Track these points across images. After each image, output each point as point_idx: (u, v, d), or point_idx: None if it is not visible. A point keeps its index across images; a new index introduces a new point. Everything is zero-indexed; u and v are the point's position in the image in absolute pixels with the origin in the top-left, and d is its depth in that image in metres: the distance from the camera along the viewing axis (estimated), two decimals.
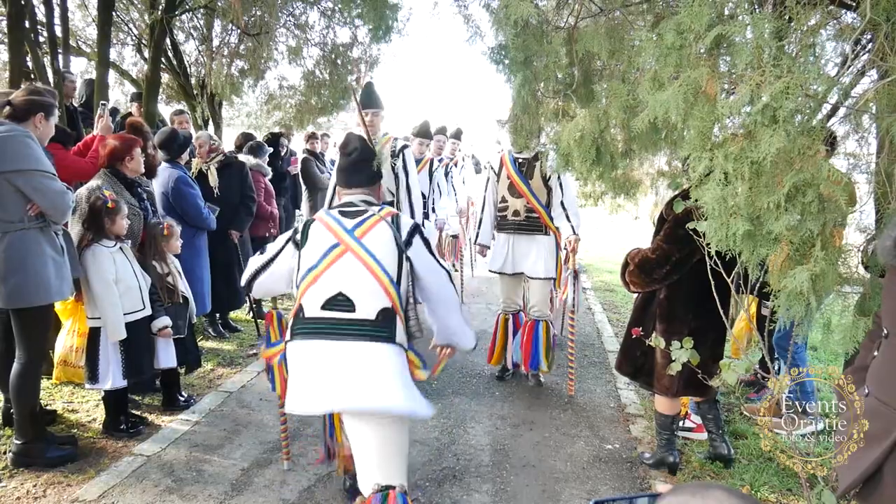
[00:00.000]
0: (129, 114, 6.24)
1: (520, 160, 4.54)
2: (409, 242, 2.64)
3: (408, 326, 2.64)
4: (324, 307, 2.50)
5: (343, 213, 2.67)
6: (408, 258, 2.63)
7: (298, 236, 2.69)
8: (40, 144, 3.13)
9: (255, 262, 2.85)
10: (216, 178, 5.30)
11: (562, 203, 4.49)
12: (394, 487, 2.41)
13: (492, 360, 4.86)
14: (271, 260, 2.78)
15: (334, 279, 2.51)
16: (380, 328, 2.49)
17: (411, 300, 2.69)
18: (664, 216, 3.24)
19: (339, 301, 2.49)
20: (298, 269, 2.63)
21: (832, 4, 2.26)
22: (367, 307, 2.48)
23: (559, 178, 4.47)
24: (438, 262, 2.72)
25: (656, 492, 1.15)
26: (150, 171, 4.25)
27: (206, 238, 5.07)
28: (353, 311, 2.48)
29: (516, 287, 4.78)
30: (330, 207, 2.82)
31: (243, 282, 2.87)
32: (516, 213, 4.55)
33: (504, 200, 4.60)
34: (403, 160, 4.75)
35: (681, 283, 3.18)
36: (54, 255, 3.11)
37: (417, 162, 5.54)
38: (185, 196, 4.74)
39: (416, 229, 2.70)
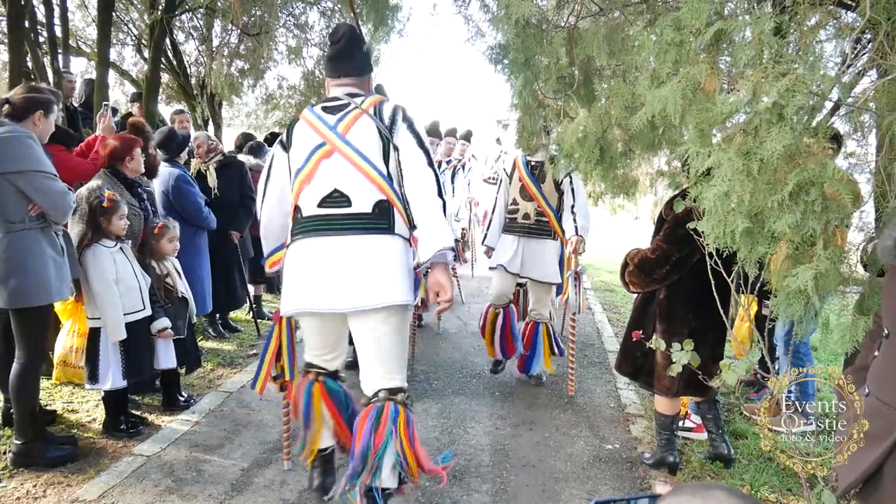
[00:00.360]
0: (130, 114, 6.25)
1: (532, 163, 4.52)
2: (391, 128, 2.56)
3: (408, 214, 2.61)
4: (320, 205, 2.53)
5: (325, 109, 2.62)
6: (395, 147, 2.56)
7: (284, 138, 2.69)
8: (40, 142, 3.13)
9: (258, 199, 2.86)
10: (215, 178, 5.29)
11: (572, 208, 4.45)
12: (395, 393, 2.54)
13: (490, 354, 4.85)
14: (268, 176, 2.77)
15: (327, 177, 2.53)
16: (377, 220, 2.51)
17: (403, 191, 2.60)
18: (664, 216, 3.24)
19: (335, 197, 2.51)
20: (290, 171, 2.64)
21: (832, 4, 2.26)
22: (363, 201, 2.50)
23: (571, 182, 4.44)
24: (426, 156, 2.56)
25: (656, 493, 1.15)
26: (151, 172, 4.25)
27: (207, 238, 5.05)
28: (350, 205, 2.50)
29: (511, 285, 4.75)
30: (314, 104, 2.74)
31: (263, 250, 2.91)
32: (526, 216, 4.54)
33: (515, 203, 4.59)
34: None
35: (681, 284, 3.18)
36: (54, 255, 3.11)
37: None
38: (185, 194, 4.73)
39: (397, 110, 2.59)
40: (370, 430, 2.49)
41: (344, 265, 2.48)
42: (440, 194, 2.54)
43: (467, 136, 8.06)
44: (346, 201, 2.50)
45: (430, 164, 2.56)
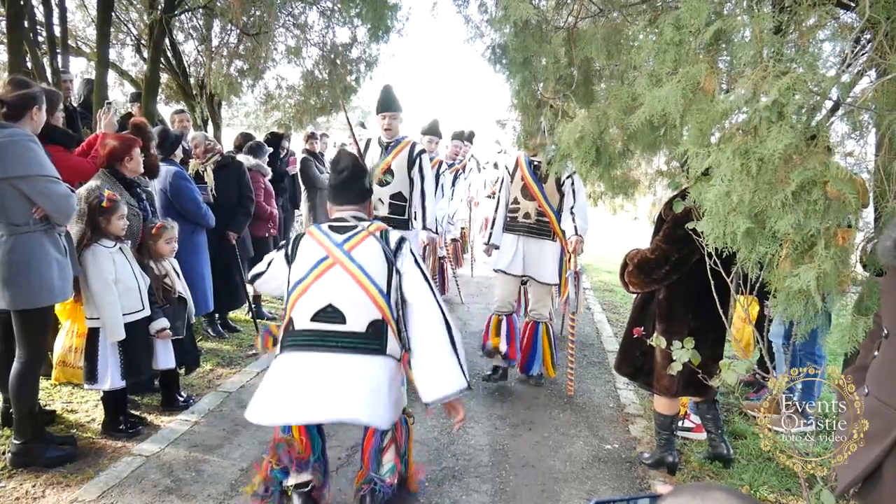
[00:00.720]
0: (130, 114, 6.24)
1: (535, 163, 4.52)
2: (396, 253, 2.65)
3: (400, 337, 2.65)
4: (313, 319, 2.54)
5: (333, 228, 2.71)
6: (398, 271, 2.64)
7: (289, 249, 2.75)
8: (34, 134, 3.10)
9: (255, 268, 2.98)
10: (212, 178, 5.27)
11: (571, 209, 4.47)
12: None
13: (485, 350, 4.81)
14: (266, 268, 2.89)
15: (323, 291, 2.55)
16: (370, 340, 2.53)
17: (401, 312, 2.68)
18: (663, 216, 3.24)
19: (329, 313, 2.52)
20: (288, 283, 2.68)
21: (831, 4, 2.26)
22: (358, 319, 2.52)
23: (573, 183, 4.45)
24: (430, 287, 2.67)
25: (656, 493, 1.15)
26: (152, 172, 4.25)
27: (206, 236, 5.04)
28: (344, 322, 2.51)
29: (514, 288, 4.77)
30: (319, 223, 2.86)
31: (248, 276, 2.99)
32: (527, 215, 4.54)
33: (516, 202, 4.58)
34: (420, 165, 4.75)
35: (680, 284, 3.18)
36: (58, 256, 3.11)
37: None
38: (182, 190, 4.72)
39: (403, 240, 2.71)
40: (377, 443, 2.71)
41: (331, 380, 2.45)
42: (447, 325, 2.60)
43: (469, 137, 8.07)
44: (339, 318, 2.52)
45: (435, 295, 2.65)
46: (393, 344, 2.59)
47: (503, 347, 4.68)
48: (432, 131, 6.46)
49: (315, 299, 2.55)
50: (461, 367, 2.56)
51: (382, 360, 2.54)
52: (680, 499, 0.95)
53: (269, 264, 2.88)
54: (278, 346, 2.68)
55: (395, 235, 2.72)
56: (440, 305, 2.64)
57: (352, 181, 2.83)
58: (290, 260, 2.73)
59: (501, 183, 4.78)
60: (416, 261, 2.69)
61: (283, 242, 2.90)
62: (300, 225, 8.43)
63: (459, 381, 2.55)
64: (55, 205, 3.02)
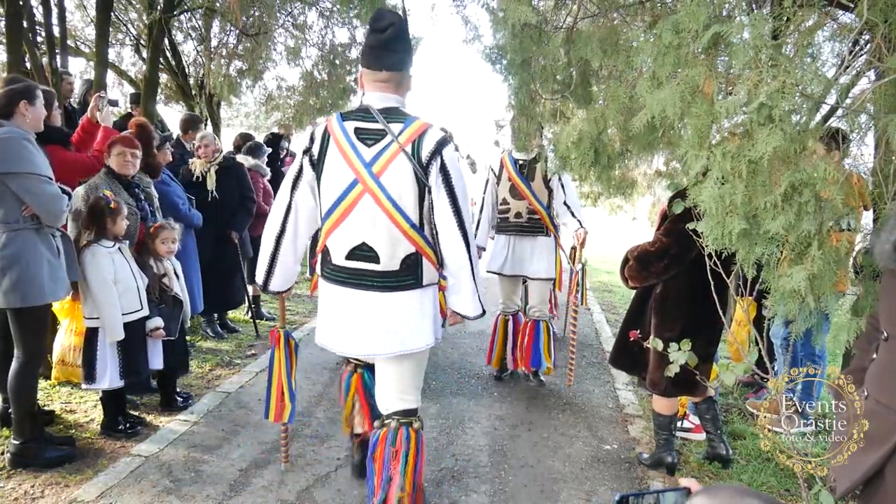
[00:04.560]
0: (130, 114, 6.24)
1: (520, 162, 4.53)
2: (427, 169, 2.38)
3: (439, 260, 2.57)
4: (348, 257, 2.49)
5: (360, 135, 2.40)
6: (429, 191, 2.41)
7: (315, 153, 2.46)
8: (36, 129, 3.10)
9: (265, 248, 2.65)
10: (214, 179, 5.27)
11: (565, 203, 4.51)
12: (408, 417, 2.65)
13: (490, 362, 4.85)
14: (289, 204, 2.55)
15: (356, 227, 2.44)
16: (404, 277, 2.49)
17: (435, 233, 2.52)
18: (666, 213, 3.25)
19: (364, 251, 2.46)
20: (319, 198, 2.51)
21: (830, 5, 2.27)
22: (391, 258, 2.46)
23: (560, 178, 4.48)
24: (457, 215, 2.43)
25: (681, 486, 1.15)
26: (155, 172, 4.25)
27: (195, 237, 5.01)
28: (378, 262, 2.46)
29: (515, 288, 4.78)
30: (345, 116, 2.48)
31: (259, 278, 2.70)
32: (518, 214, 4.54)
33: (505, 203, 4.59)
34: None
35: (677, 280, 3.19)
36: (49, 256, 3.11)
37: None
38: (163, 194, 4.68)
39: (436, 153, 2.37)
40: (387, 461, 2.62)
41: (369, 317, 2.51)
42: (469, 256, 2.49)
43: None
44: (374, 257, 2.45)
45: (461, 224, 2.44)
46: (429, 273, 2.54)
47: (509, 363, 4.74)
48: None
49: (348, 236, 2.45)
50: (478, 297, 2.58)
51: (418, 293, 2.53)
52: (714, 500, 0.94)
53: (290, 195, 2.55)
54: (319, 269, 2.65)
55: (429, 143, 2.38)
56: (465, 237, 2.45)
57: (396, 42, 2.44)
58: (315, 163, 2.47)
59: (486, 185, 4.78)
60: (447, 180, 2.40)
61: (296, 164, 2.55)
62: None
63: (476, 309, 2.59)
64: (43, 205, 3.01)
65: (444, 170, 2.39)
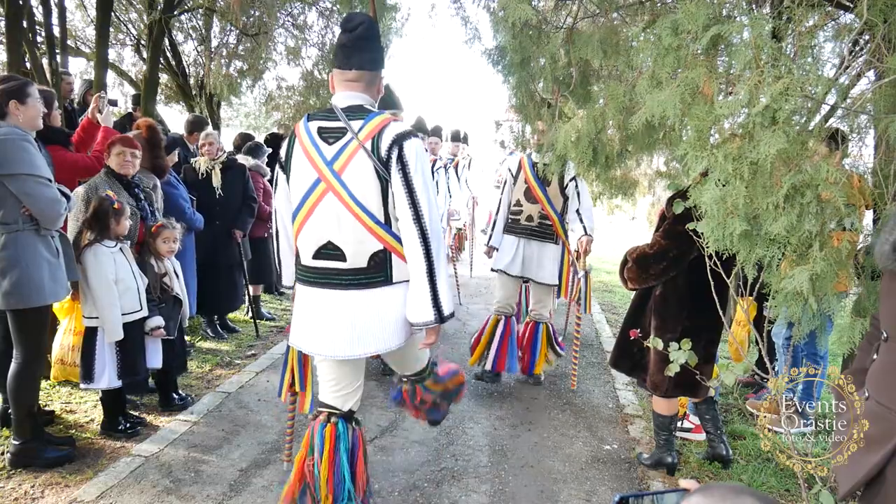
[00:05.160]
0: (130, 114, 6.25)
1: (539, 165, 4.51)
2: (387, 165, 2.33)
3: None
4: (315, 256, 2.47)
5: (322, 133, 2.40)
6: (390, 186, 2.37)
7: (283, 158, 2.52)
8: (32, 127, 3.07)
9: (281, 239, 2.72)
10: (220, 178, 5.28)
11: (577, 211, 4.47)
12: (419, 375, 2.84)
13: (471, 361, 4.75)
14: (275, 210, 2.67)
15: (321, 226, 2.42)
16: (373, 274, 2.44)
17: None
18: (665, 214, 3.25)
19: (330, 250, 2.43)
20: (290, 200, 2.53)
21: (830, 5, 2.27)
22: (357, 255, 2.41)
23: (577, 186, 4.45)
24: (414, 208, 2.35)
25: (681, 487, 1.15)
26: (161, 172, 4.25)
27: (195, 239, 5.02)
28: (344, 260, 2.42)
29: (515, 289, 4.77)
30: (311, 117, 2.50)
31: (286, 280, 2.76)
32: (530, 218, 4.53)
33: (519, 204, 4.57)
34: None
35: (676, 281, 3.19)
36: (49, 257, 3.10)
37: None
38: (166, 195, 4.67)
39: (393, 147, 2.33)
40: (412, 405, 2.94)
41: (340, 317, 2.46)
42: (427, 255, 2.37)
43: (465, 139, 8.16)
44: (340, 255, 2.41)
45: (418, 219, 2.35)
46: (399, 269, 2.47)
47: (489, 365, 4.62)
48: (418, 128, 6.53)
49: (314, 235, 2.44)
50: (436, 301, 2.41)
51: (388, 290, 2.47)
52: (710, 499, 0.94)
53: (275, 206, 2.65)
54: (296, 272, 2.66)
55: (387, 138, 2.34)
56: (423, 231, 2.36)
57: (367, 41, 2.44)
58: (286, 170, 2.50)
59: (504, 185, 4.78)
60: (403, 173, 2.34)
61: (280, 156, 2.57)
62: None
63: (428, 315, 2.41)
64: (40, 207, 3.00)
65: (401, 161, 2.33)
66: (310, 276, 2.51)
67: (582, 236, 4.40)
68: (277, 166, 2.60)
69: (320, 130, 2.42)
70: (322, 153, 2.38)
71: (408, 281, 2.48)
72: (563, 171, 4.20)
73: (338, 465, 2.56)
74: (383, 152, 2.33)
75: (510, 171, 4.70)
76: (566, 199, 4.50)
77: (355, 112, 2.41)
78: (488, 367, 4.66)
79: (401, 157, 2.33)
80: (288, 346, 3.01)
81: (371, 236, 2.40)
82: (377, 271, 2.44)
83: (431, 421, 3.12)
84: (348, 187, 2.35)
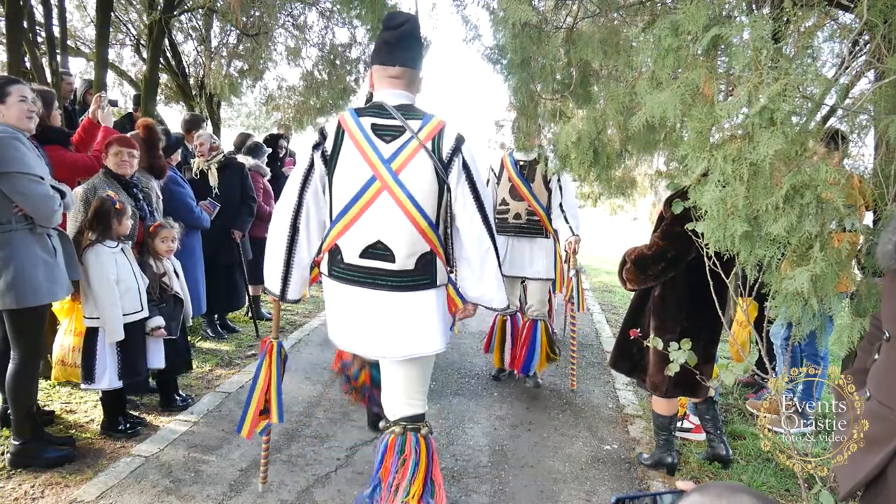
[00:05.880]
0: (130, 114, 6.25)
1: (521, 162, 4.52)
2: (448, 167, 2.35)
3: (448, 260, 2.54)
4: (363, 255, 2.41)
5: (377, 130, 2.36)
6: (449, 189, 2.38)
7: (328, 149, 2.39)
8: (22, 128, 3.04)
9: (276, 255, 2.53)
10: (216, 177, 5.29)
11: (560, 205, 4.50)
12: (416, 423, 2.55)
13: (495, 363, 4.86)
14: (299, 203, 2.46)
15: (372, 225, 2.37)
16: (419, 277, 2.43)
17: (449, 231, 2.51)
18: (663, 215, 3.24)
19: (379, 249, 2.39)
20: (331, 197, 2.41)
21: (830, 5, 2.27)
22: (407, 257, 2.39)
23: (559, 179, 4.48)
24: (483, 214, 2.42)
25: (678, 489, 1.15)
26: (160, 172, 4.24)
27: (201, 238, 5.04)
28: (393, 261, 2.38)
29: (514, 288, 4.78)
30: (360, 112, 2.43)
31: (276, 289, 2.57)
32: (517, 215, 4.53)
33: (505, 203, 4.58)
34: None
35: (675, 282, 3.19)
36: (45, 256, 3.09)
37: None
38: (173, 194, 4.69)
39: (457, 149, 2.35)
40: (394, 469, 2.51)
41: (383, 318, 2.45)
42: (496, 252, 2.47)
43: None
44: (389, 255, 2.37)
45: (486, 220, 2.42)
46: (442, 273, 2.49)
47: (507, 361, 4.73)
48: None
49: (364, 234, 2.38)
50: (503, 288, 2.55)
51: (432, 293, 2.47)
52: (706, 497, 0.94)
53: (299, 195, 2.45)
54: (324, 267, 2.53)
55: (448, 140, 2.34)
56: (489, 228, 2.44)
57: (410, 39, 2.42)
58: (328, 160, 2.40)
59: (487, 185, 4.77)
60: (469, 175, 2.38)
61: (306, 162, 2.46)
62: None
63: (503, 301, 2.56)
64: (34, 205, 2.99)
65: (465, 166, 2.38)
66: (354, 275, 2.44)
67: (569, 237, 4.42)
68: (318, 158, 2.43)
69: (374, 127, 2.36)
70: (379, 151, 2.33)
71: (446, 285, 2.53)
72: (547, 168, 4.21)
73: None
74: (445, 154, 2.34)
75: (492, 170, 4.69)
76: (550, 192, 4.51)
77: (408, 111, 2.40)
78: (506, 366, 4.76)
79: (464, 162, 2.37)
80: (259, 368, 2.80)
81: (422, 238, 2.38)
82: (423, 274, 2.43)
83: None
84: (406, 187, 2.32)
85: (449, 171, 2.36)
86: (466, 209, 2.41)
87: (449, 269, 2.56)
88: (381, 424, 2.69)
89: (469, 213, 2.41)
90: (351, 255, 2.43)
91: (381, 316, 2.45)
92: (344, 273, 2.47)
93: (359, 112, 2.43)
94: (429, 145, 2.33)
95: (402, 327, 2.45)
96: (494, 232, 2.47)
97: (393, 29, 2.41)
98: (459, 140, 2.37)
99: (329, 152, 2.42)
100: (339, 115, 2.49)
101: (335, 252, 2.47)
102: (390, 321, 2.45)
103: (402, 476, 2.48)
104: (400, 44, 2.40)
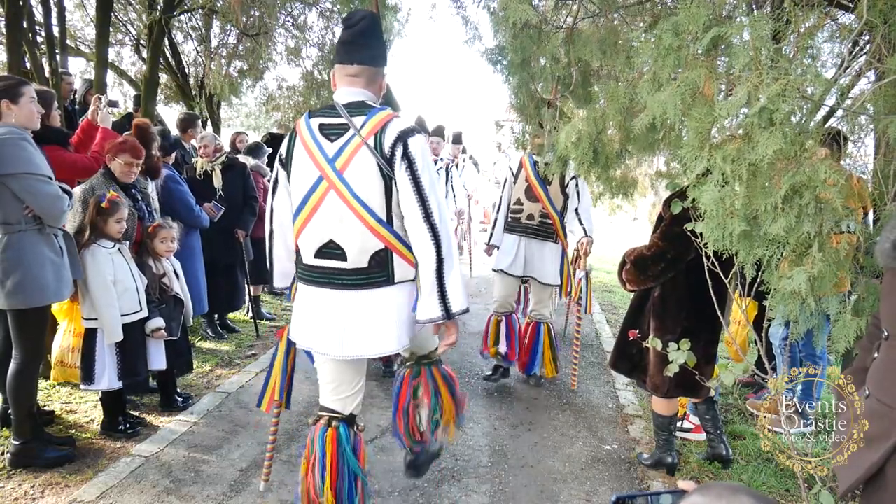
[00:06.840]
0: (130, 114, 6.25)
1: (540, 164, 4.52)
2: (391, 162, 2.28)
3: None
4: (317, 255, 2.43)
5: (324, 130, 2.37)
6: (395, 184, 2.31)
7: (284, 155, 2.48)
8: (28, 127, 3.06)
9: (266, 237, 2.69)
10: (220, 178, 5.30)
11: (576, 210, 4.50)
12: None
13: (487, 350, 4.80)
14: (272, 211, 2.60)
15: (323, 224, 2.38)
16: (374, 274, 2.41)
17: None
18: (663, 215, 3.24)
19: (331, 249, 2.39)
20: (291, 204, 2.48)
21: (830, 5, 2.27)
22: (359, 255, 2.38)
23: (577, 185, 4.47)
24: (423, 204, 2.30)
25: (679, 489, 1.15)
26: (154, 173, 4.24)
27: (200, 237, 5.03)
28: (345, 259, 2.38)
29: (514, 289, 4.78)
30: (311, 114, 2.46)
31: (277, 283, 2.77)
32: (531, 216, 4.53)
33: (519, 203, 4.58)
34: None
35: (675, 282, 3.19)
36: (53, 256, 3.10)
37: None
38: (172, 192, 4.70)
39: (397, 143, 2.28)
40: (409, 396, 2.81)
41: (342, 317, 2.44)
42: (437, 252, 2.32)
43: (458, 139, 8.24)
44: (341, 255, 2.37)
45: (427, 216, 2.30)
46: (402, 268, 2.44)
47: (503, 349, 4.68)
48: (437, 133, 6.59)
49: (316, 234, 2.40)
50: (444, 297, 2.37)
51: (390, 290, 2.44)
52: (706, 498, 0.94)
53: (271, 205, 2.59)
54: (297, 270, 2.62)
55: (391, 133, 2.28)
56: (433, 228, 2.31)
57: (369, 36, 2.40)
58: (286, 166, 2.46)
59: (504, 183, 4.79)
60: (410, 170, 2.28)
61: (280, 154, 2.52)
62: None
63: (434, 312, 2.38)
64: (43, 205, 3.01)
65: (407, 158, 2.28)
66: (311, 276, 2.48)
67: (582, 238, 4.43)
68: (277, 163, 2.55)
69: (322, 127, 2.37)
70: (324, 150, 2.33)
71: (411, 280, 2.48)
72: (565, 170, 4.21)
73: (341, 470, 2.54)
74: (387, 149, 2.28)
75: (510, 169, 4.71)
76: (566, 197, 4.51)
77: (357, 108, 2.37)
78: (504, 360, 4.73)
79: (406, 154, 2.28)
80: (275, 353, 2.96)
81: (372, 235, 2.35)
82: (378, 271, 2.41)
83: (412, 465, 2.96)
84: (350, 185, 2.30)
85: (393, 166, 2.29)
86: (407, 206, 2.32)
87: (415, 265, 2.46)
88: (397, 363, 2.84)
89: (410, 210, 2.31)
90: (308, 256, 2.46)
91: (340, 314, 2.44)
92: (304, 274, 2.52)
93: (312, 114, 2.45)
94: (371, 141, 2.29)
95: (361, 326, 2.43)
96: (440, 234, 2.32)
97: (350, 27, 2.40)
98: (404, 133, 2.29)
99: (284, 157, 2.48)
100: (297, 120, 2.54)
101: (298, 253, 2.53)
102: (349, 320, 2.43)
103: (425, 397, 2.76)
104: (357, 42, 2.39)
